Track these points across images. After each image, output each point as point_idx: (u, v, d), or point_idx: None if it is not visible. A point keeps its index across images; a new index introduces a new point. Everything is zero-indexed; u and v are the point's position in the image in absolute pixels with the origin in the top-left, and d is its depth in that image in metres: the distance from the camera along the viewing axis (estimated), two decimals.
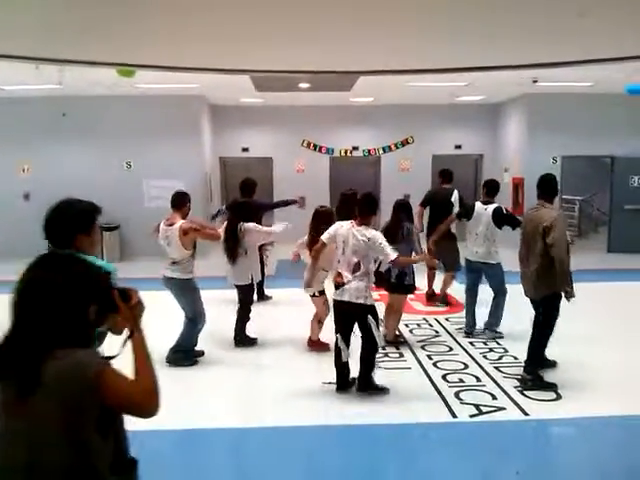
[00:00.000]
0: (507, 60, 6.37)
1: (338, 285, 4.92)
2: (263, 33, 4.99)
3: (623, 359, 5.77)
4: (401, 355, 5.98)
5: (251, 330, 6.47)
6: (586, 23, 4.64)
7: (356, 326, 4.98)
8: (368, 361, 4.99)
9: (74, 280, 1.80)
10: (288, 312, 7.42)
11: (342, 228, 5.03)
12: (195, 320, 5.68)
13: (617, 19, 4.53)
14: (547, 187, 5.17)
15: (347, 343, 5.00)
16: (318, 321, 6.11)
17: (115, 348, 1.89)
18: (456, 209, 7.53)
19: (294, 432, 4.41)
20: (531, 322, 5.20)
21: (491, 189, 6.62)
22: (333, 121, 13.28)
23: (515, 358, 5.77)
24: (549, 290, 4.93)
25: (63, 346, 1.72)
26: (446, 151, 13.47)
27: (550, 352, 5.61)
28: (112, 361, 1.81)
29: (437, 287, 8.03)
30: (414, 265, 6.11)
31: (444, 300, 7.86)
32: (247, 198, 7.44)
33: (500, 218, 6.37)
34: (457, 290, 7.76)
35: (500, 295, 6.40)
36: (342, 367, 5.07)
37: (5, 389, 1.73)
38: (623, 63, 6.24)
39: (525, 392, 4.97)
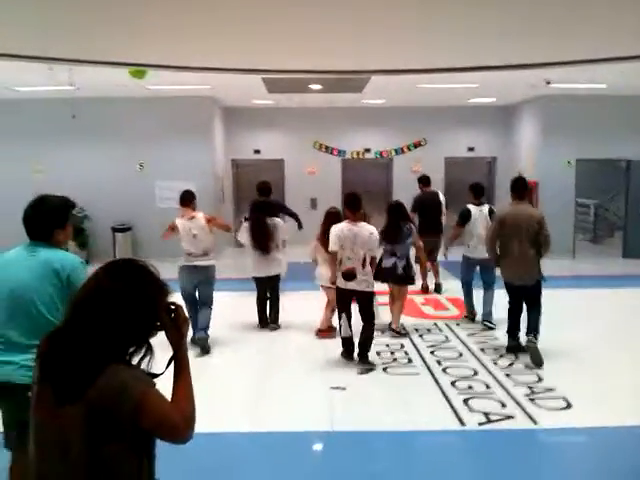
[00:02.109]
0: (517, 59, 6.28)
1: (348, 276, 5.56)
2: (274, 32, 4.96)
3: (638, 367, 5.66)
4: (410, 360, 5.91)
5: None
6: (595, 22, 4.56)
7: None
8: (370, 338, 5.78)
9: (150, 295, 1.74)
10: (299, 312, 7.43)
11: (344, 231, 5.63)
12: (212, 304, 6.30)
13: (628, 18, 4.44)
14: (523, 187, 5.95)
15: (349, 322, 5.76)
16: (332, 309, 6.58)
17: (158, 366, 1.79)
18: (443, 209, 8.85)
19: (298, 437, 4.36)
20: None
21: (478, 192, 7.27)
22: (345, 123, 13.24)
23: (526, 365, 5.69)
24: (539, 273, 5.80)
25: (119, 361, 1.67)
26: (459, 153, 13.39)
27: (563, 358, 5.74)
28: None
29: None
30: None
31: (440, 287, 8.81)
32: (265, 198, 7.50)
33: (492, 215, 6.92)
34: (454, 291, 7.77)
35: (491, 289, 7.04)
36: (348, 341, 5.86)
37: (43, 390, 1.67)
38: (634, 62, 6.13)
39: (535, 400, 4.88)
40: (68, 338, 1.68)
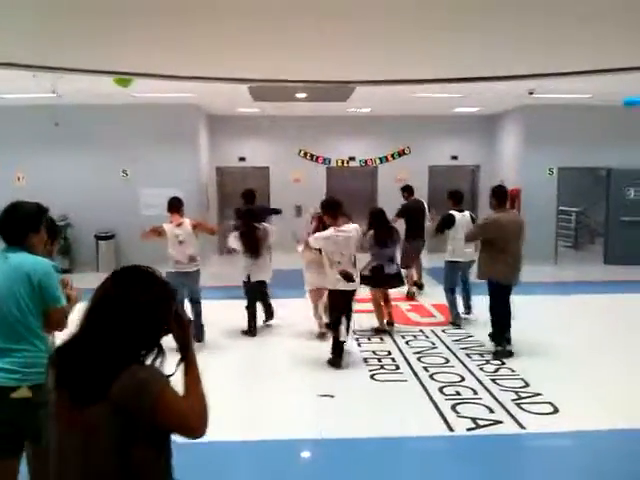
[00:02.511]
0: (505, 71, 6.37)
1: (349, 277, 5.76)
2: (260, 43, 4.98)
3: (621, 371, 5.73)
4: (397, 367, 5.93)
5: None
6: (585, 34, 4.64)
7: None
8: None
9: (158, 300, 1.80)
10: (286, 319, 7.42)
11: (332, 237, 5.78)
12: (200, 299, 6.59)
13: (617, 30, 4.53)
14: (505, 195, 6.24)
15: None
16: (317, 310, 6.84)
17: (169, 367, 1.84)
18: (427, 214, 9.28)
19: (286, 446, 4.35)
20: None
21: (458, 198, 7.65)
22: (330, 131, 13.29)
23: (512, 370, 5.73)
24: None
25: (134, 362, 1.73)
26: (442, 162, 13.49)
27: (548, 363, 5.82)
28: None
29: None
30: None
31: (422, 286, 9.34)
32: (250, 205, 7.82)
33: (474, 221, 7.37)
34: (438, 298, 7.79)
35: (469, 282, 7.63)
36: (343, 345, 5.93)
37: (61, 396, 1.71)
38: (622, 74, 6.24)
39: (522, 405, 4.92)
40: (83, 345, 1.74)
